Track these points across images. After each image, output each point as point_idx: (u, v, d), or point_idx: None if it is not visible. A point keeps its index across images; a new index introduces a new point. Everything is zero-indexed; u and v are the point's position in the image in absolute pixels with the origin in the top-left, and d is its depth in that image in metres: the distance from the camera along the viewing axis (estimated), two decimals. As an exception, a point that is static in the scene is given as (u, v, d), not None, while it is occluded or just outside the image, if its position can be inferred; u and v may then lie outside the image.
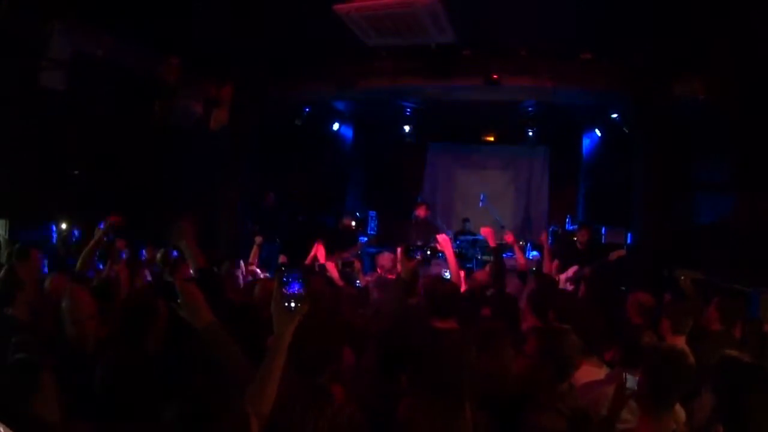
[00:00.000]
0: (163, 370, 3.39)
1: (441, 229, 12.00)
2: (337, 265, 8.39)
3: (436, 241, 7.83)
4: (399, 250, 7.80)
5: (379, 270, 8.27)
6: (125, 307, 4.19)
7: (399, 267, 7.25)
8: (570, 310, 5.49)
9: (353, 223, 13.15)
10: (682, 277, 6.98)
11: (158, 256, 8.09)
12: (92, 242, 6.28)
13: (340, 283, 7.44)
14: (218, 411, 2.29)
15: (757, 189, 8.47)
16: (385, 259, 8.28)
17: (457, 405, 3.23)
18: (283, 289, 2.94)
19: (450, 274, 7.37)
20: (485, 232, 9.15)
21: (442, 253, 7.58)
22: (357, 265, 8.82)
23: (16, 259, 6.30)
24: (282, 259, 9.47)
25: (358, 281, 8.18)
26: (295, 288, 2.94)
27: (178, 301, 3.26)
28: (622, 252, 9.89)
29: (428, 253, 9.39)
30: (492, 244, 8.93)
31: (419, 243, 10.80)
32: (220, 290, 5.35)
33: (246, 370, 3.09)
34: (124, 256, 7.59)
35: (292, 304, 2.93)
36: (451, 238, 8.49)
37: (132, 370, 3.21)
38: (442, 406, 3.24)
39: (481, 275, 7.55)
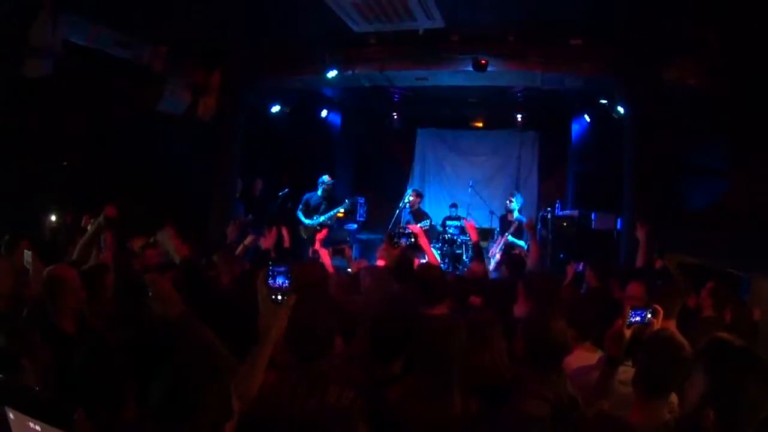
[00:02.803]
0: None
1: (428, 219, 12.00)
2: (329, 253, 8.38)
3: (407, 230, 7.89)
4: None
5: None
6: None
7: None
8: (554, 296, 5.53)
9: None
10: (666, 261, 7.02)
11: (152, 240, 8.04)
12: (89, 233, 6.26)
13: (332, 270, 7.44)
14: (200, 387, 2.30)
15: (750, 173, 8.49)
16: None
17: (445, 389, 3.23)
18: (269, 283, 2.96)
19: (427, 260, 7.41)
20: (469, 226, 9.19)
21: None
22: (348, 252, 8.81)
23: (5, 250, 6.28)
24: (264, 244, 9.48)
25: (349, 268, 8.17)
26: (281, 282, 2.96)
27: (149, 295, 3.29)
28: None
29: (413, 240, 9.42)
30: (474, 238, 8.96)
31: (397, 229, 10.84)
32: (202, 280, 5.38)
33: (221, 354, 3.11)
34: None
35: (279, 297, 2.94)
36: (427, 228, 8.54)
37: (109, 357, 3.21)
38: (430, 391, 3.24)
39: (478, 267, 7.55)
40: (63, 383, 3.21)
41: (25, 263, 5.42)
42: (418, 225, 10.23)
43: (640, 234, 7.65)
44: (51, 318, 4.26)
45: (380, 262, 7.75)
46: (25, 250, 5.52)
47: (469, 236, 10.16)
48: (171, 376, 2.39)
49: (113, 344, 3.47)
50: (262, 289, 2.99)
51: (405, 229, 9.96)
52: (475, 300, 5.83)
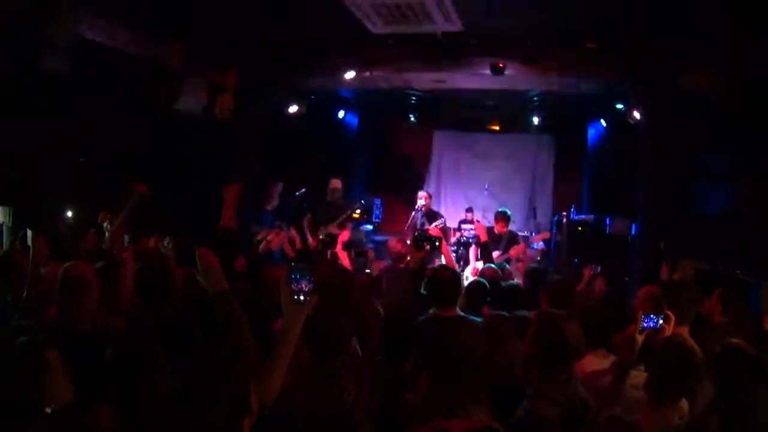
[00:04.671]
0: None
1: (442, 218, 11.96)
2: (349, 254, 8.39)
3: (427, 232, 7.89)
4: (407, 240, 7.83)
5: (390, 256, 8.22)
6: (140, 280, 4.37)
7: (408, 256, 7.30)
8: (568, 300, 5.54)
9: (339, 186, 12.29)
10: (679, 269, 7.02)
11: (165, 242, 8.10)
12: (122, 214, 6.30)
13: (351, 270, 7.45)
14: (220, 383, 2.33)
15: (762, 179, 8.47)
16: (394, 244, 8.20)
17: (477, 392, 3.22)
18: (292, 284, 2.98)
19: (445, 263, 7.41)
20: (478, 228, 9.18)
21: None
22: (371, 254, 8.83)
23: (20, 244, 6.32)
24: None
25: (368, 270, 8.20)
26: (304, 284, 2.97)
27: (197, 267, 3.34)
28: (547, 234, 10.00)
29: (437, 244, 9.45)
30: (483, 238, 8.95)
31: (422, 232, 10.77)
32: (234, 251, 5.42)
33: (249, 340, 3.16)
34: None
35: (302, 297, 2.96)
36: (443, 227, 8.54)
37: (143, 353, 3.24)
38: (463, 394, 3.23)
39: (491, 271, 7.55)
40: (82, 380, 3.24)
41: (28, 242, 5.43)
42: (434, 225, 10.25)
43: (663, 246, 7.68)
44: (66, 317, 4.20)
45: (380, 265, 7.81)
46: (28, 229, 5.53)
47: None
48: (192, 364, 2.43)
49: (142, 339, 3.52)
50: (285, 289, 3.01)
51: (424, 231, 9.97)
52: (486, 311, 5.84)
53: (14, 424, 2.82)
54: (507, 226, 10.56)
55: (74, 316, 4.20)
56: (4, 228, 8.34)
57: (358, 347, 4.28)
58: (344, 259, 7.98)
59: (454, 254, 12.63)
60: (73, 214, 9.27)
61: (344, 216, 10.78)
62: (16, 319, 4.39)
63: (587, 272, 8.27)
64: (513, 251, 9.57)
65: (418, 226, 11.28)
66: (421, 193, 12.06)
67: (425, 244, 6.95)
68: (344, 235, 9.06)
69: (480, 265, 8.65)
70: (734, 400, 2.83)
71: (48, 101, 8.80)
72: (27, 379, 2.97)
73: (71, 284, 4.23)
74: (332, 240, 9.47)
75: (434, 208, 13.22)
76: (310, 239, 10.22)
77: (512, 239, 10.48)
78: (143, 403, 2.97)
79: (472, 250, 10.11)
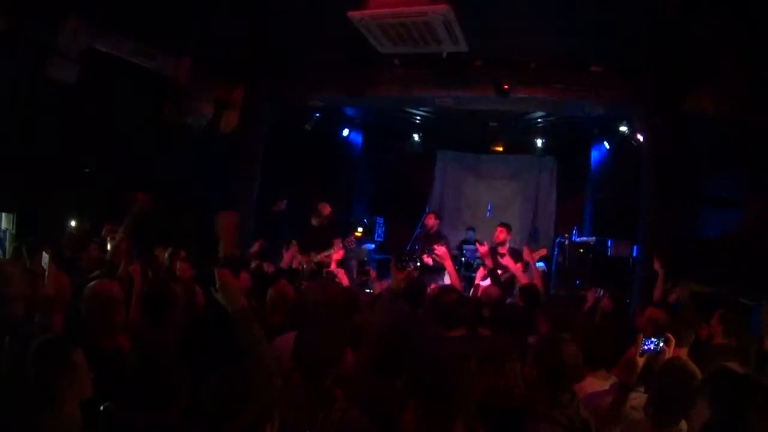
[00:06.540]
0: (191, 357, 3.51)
1: (445, 238, 11.90)
2: (350, 273, 8.39)
3: (433, 252, 7.91)
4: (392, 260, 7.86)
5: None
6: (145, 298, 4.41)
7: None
8: (570, 321, 5.55)
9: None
10: (678, 291, 7.04)
11: (165, 255, 8.12)
12: (121, 231, 6.31)
13: (351, 288, 7.46)
14: (245, 402, 2.36)
15: (764, 203, 8.50)
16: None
17: (447, 414, 3.22)
18: None
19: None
20: (482, 251, 9.18)
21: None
22: (372, 273, 8.84)
23: (26, 253, 6.35)
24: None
25: (369, 289, 8.22)
26: None
27: (215, 286, 3.37)
28: (544, 251, 9.92)
29: (419, 264, 9.41)
30: (489, 264, 8.95)
31: (425, 253, 10.75)
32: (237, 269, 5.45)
33: (269, 357, 3.18)
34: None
35: None
36: (449, 248, 8.56)
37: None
38: (433, 414, 3.25)
39: (494, 291, 7.56)
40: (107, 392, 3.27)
41: (42, 264, 5.46)
42: (438, 246, 10.22)
43: (657, 266, 7.68)
44: (92, 335, 4.09)
45: (383, 284, 7.82)
46: (43, 252, 5.56)
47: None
48: (215, 377, 2.46)
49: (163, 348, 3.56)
50: None
51: (431, 251, 9.97)
52: (484, 331, 5.84)
53: (40, 415, 2.87)
54: (509, 234, 10.48)
55: (101, 333, 4.15)
56: (8, 234, 8.39)
57: (352, 364, 4.30)
58: (342, 277, 7.98)
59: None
60: (76, 224, 9.31)
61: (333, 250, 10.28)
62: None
63: (591, 295, 8.26)
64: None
65: (419, 247, 11.28)
66: (429, 214, 12.01)
67: (407, 264, 7.01)
68: (338, 254, 9.07)
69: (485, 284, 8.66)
70: (728, 420, 2.85)
71: (54, 110, 8.85)
72: (52, 373, 3.03)
73: (101, 302, 4.20)
74: (320, 267, 9.40)
75: (440, 228, 13.14)
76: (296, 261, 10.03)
77: (516, 257, 10.33)
78: (163, 415, 3.01)
79: (479, 271, 10.05)
